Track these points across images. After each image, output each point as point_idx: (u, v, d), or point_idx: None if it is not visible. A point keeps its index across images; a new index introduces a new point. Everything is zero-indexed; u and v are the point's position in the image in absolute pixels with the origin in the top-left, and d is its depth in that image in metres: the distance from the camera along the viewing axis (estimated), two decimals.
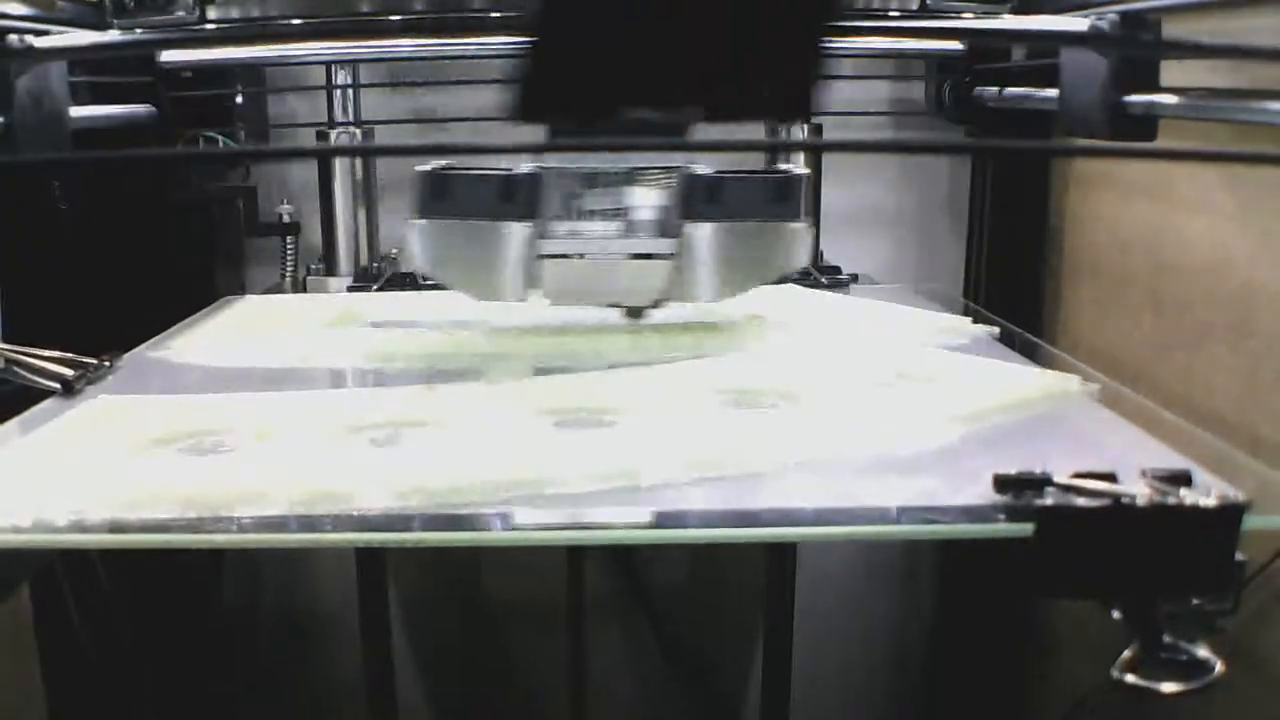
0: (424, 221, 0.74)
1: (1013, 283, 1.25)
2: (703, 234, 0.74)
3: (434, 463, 0.54)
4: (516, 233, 0.73)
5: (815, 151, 1.23)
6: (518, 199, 0.73)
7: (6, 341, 0.91)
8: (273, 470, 0.53)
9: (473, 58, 1.23)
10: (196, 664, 1.33)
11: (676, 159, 0.75)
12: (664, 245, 0.75)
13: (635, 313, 0.79)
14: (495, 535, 0.51)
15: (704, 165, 0.76)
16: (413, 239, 0.74)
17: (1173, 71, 0.95)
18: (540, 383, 0.71)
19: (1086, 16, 0.96)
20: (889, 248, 1.41)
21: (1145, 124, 0.96)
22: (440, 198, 0.73)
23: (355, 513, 0.49)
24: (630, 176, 0.75)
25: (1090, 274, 1.17)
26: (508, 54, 1.18)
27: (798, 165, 0.84)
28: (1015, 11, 1.10)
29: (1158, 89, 0.96)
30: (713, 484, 0.53)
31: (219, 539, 0.49)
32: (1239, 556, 0.46)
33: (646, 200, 0.75)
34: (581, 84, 0.41)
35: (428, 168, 0.73)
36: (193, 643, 1.32)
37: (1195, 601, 0.47)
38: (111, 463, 0.55)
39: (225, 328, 0.89)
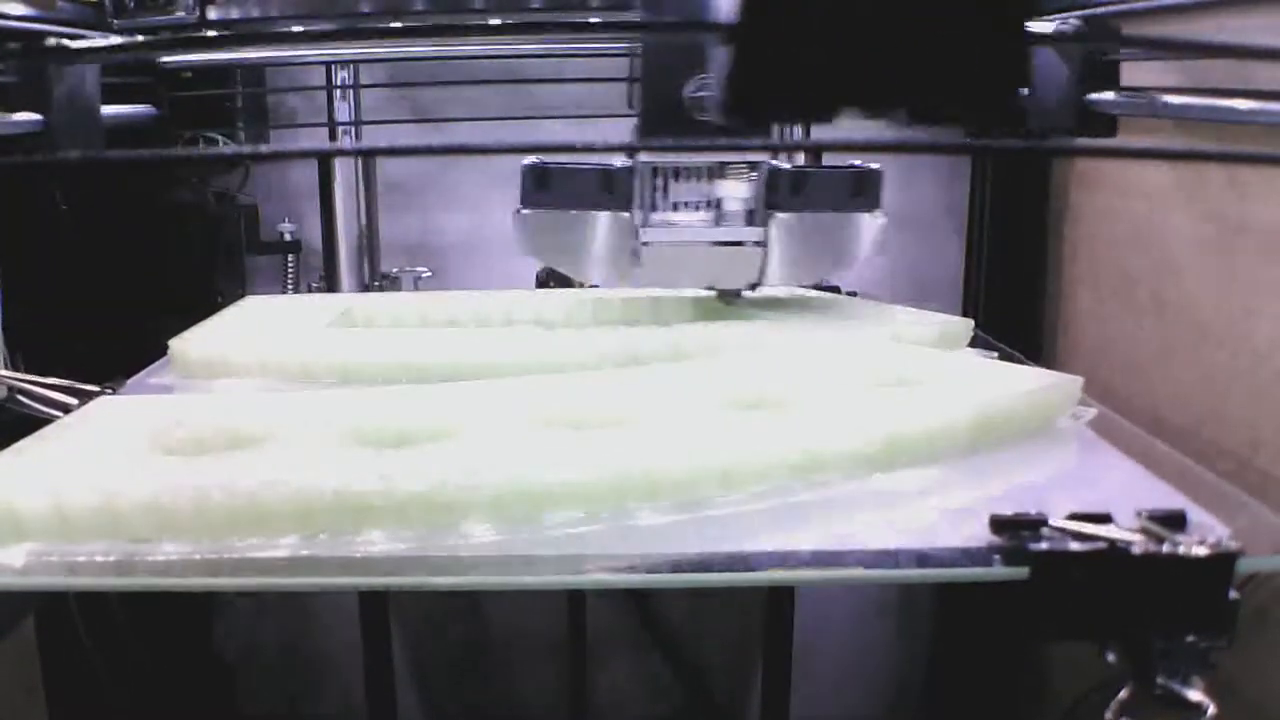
0: (529, 211, 0.79)
1: (1013, 285, 1.25)
2: (788, 223, 0.80)
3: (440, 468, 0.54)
4: (618, 221, 0.79)
5: (815, 151, 1.22)
6: (616, 191, 0.79)
7: (6, 341, 0.91)
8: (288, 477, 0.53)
9: (474, 58, 1.22)
10: (200, 685, 1.34)
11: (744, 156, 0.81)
12: (752, 233, 0.81)
13: (729, 295, 0.86)
14: (487, 580, 0.51)
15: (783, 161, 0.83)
16: (518, 226, 0.79)
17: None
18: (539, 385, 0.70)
19: (1052, 20, 1.02)
20: (888, 251, 1.40)
21: (1106, 120, 1.05)
22: (544, 189, 0.79)
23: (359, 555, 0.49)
24: (714, 170, 0.81)
25: (1091, 275, 1.17)
26: (508, 55, 1.19)
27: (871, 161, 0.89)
28: None
29: (1118, 88, 1.04)
30: (707, 523, 0.53)
31: (222, 582, 0.50)
32: (1233, 595, 0.46)
33: (733, 192, 0.81)
34: (789, 85, 0.42)
35: (532, 160, 0.79)
36: (196, 662, 1.33)
37: (1190, 638, 0.47)
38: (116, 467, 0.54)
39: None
